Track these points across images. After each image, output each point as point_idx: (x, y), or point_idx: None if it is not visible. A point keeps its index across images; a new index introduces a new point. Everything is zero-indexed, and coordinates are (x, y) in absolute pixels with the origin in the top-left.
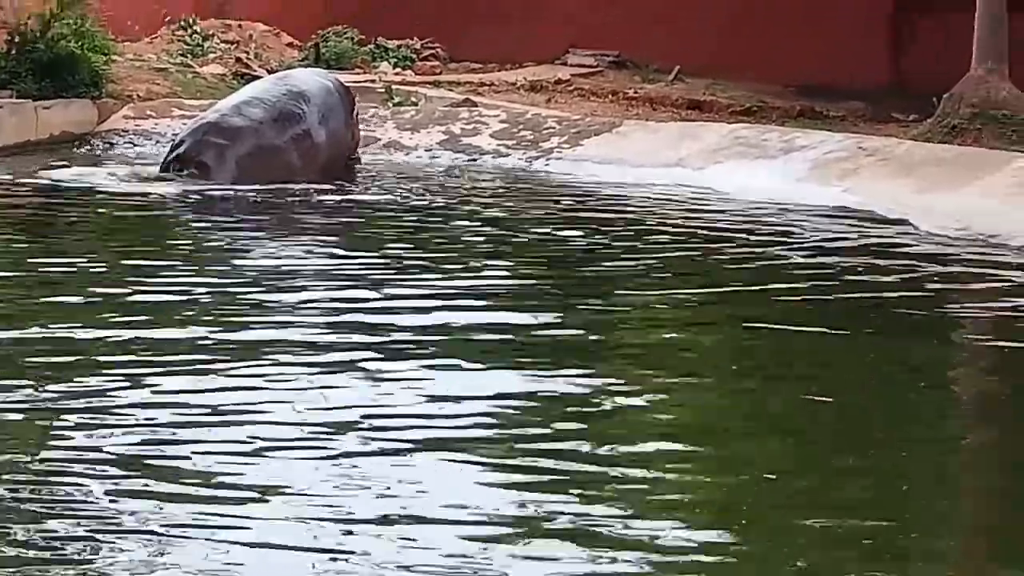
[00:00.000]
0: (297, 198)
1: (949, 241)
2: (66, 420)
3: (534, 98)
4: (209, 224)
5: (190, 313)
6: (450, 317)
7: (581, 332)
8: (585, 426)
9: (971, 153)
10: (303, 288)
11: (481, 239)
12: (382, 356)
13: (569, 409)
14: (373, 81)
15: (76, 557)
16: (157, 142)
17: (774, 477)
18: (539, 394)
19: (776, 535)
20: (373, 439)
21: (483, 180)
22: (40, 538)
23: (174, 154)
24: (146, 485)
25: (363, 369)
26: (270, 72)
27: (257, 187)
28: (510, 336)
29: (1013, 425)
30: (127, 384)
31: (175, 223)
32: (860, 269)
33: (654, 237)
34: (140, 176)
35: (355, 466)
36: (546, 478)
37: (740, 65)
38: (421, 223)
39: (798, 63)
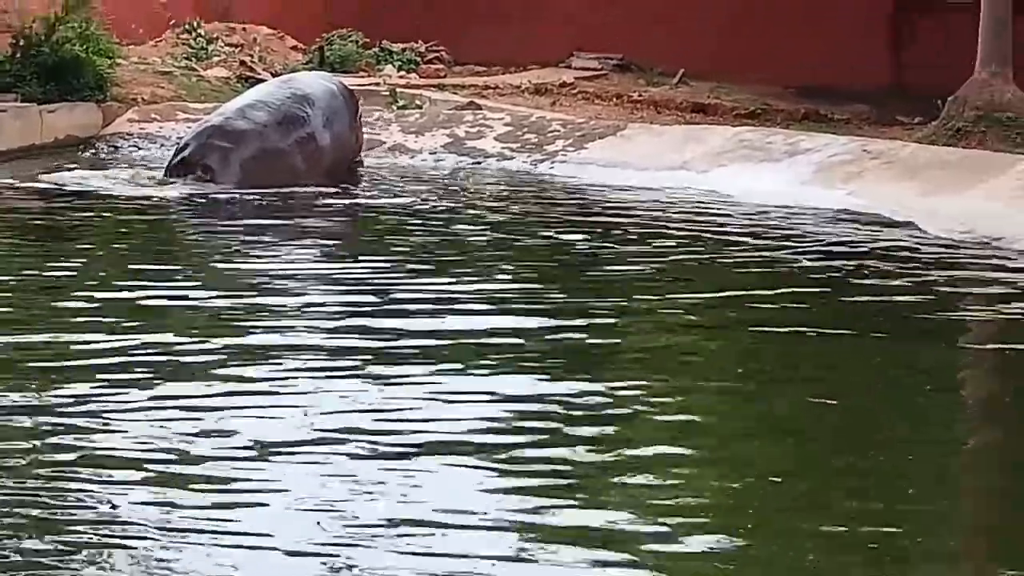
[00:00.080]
0: (302, 201)
1: (954, 244)
2: (70, 424)
3: (538, 101)
4: (214, 228)
5: (195, 317)
6: (455, 322)
7: (586, 336)
8: (591, 430)
9: (975, 156)
10: (308, 292)
11: (486, 242)
12: (387, 360)
13: (575, 413)
14: (377, 84)
15: (82, 559)
16: (162, 145)
17: (779, 480)
18: (545, 398)
19: (781, 538)
20: (378, 443)
21: (487, 183)
22: (45, 542)
23: (179, 157)
24: (150, 488)
25: (368, 373)
26: (274, 75)
27: (261, 190)
28: (515, 340)
29: (1018, 427)
30: (131, 389)
31: (180, 227)
32: (866, 272)
33: (659, 240)
34: (145, 180)
35: (360, 470)
36: (551, 482)
37: (744, 68)
38: (426, 226)
39: (802, 65)
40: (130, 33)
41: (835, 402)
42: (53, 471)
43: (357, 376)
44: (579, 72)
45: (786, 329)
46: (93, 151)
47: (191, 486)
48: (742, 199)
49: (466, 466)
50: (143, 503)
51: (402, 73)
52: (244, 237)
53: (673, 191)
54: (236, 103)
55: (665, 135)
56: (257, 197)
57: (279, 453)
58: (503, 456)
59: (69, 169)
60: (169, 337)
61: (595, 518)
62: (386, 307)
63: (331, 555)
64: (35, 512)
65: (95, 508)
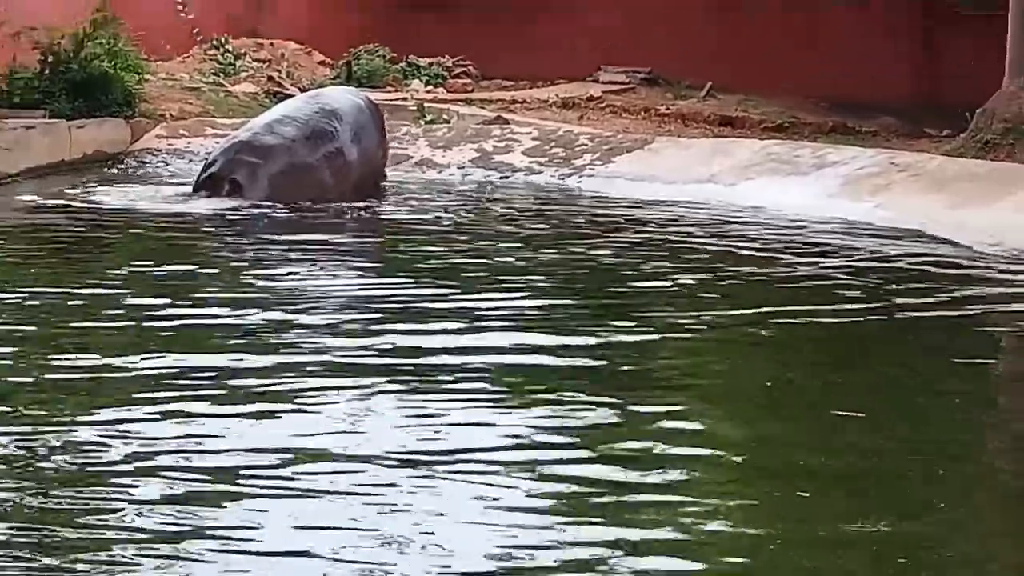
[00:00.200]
0: (330, 217)
1: (983, 257)
2: (98, 442)
3: (566, 115)
4: (242, 244)
5: (222, 335)
6: (481, 339)
7: (613, 353)
8: (616, 448)
9: (1004, 168)
10: (334, 310)
11: (513, 258)
12: (411, 378)
13: (598, 434)
14: (405, 99)
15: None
16: (190, 161)
17: (806, 494)
18: (569, 419)
19: (812, 556)
20: (400, 460)
21: (515, 198)
22: (61, 548)
23: (207, 173)
24: (177, 506)
25: (392, 391)
26: (302, 90)
27: (290, 205)
28: (541, 357)
29: None
30: (157, 406)
31: (208, 243)
32: (896, 288)
33: (687, 255)
34: (173, 196)
35: (384, 486)
36: (576, 500)
37: (772, 81)
38: (453, 242)
39: (829, 78)
40: (158, 49)
41: (863, 415)
42: (77, 489)
43: (381, 393)
44: (606, 86)
45: (817, 347)
46: (121, 167)
47: (219, 502)
48: (770, 212)
49: (490, 484)
50: (168, 517)
51: (429, 88)
52: (272, 253)
53: (701, 205)
54: (264, 118)
55: (693, 148)
56: (285, 212)
57: (304, 470)
58: (526, 475)
59: (97, 185)
60: (196, 355)
61: (618, 541)
62: (411, 324)
63: (360, 570)
64: (66, 531)
65: (122, 523)
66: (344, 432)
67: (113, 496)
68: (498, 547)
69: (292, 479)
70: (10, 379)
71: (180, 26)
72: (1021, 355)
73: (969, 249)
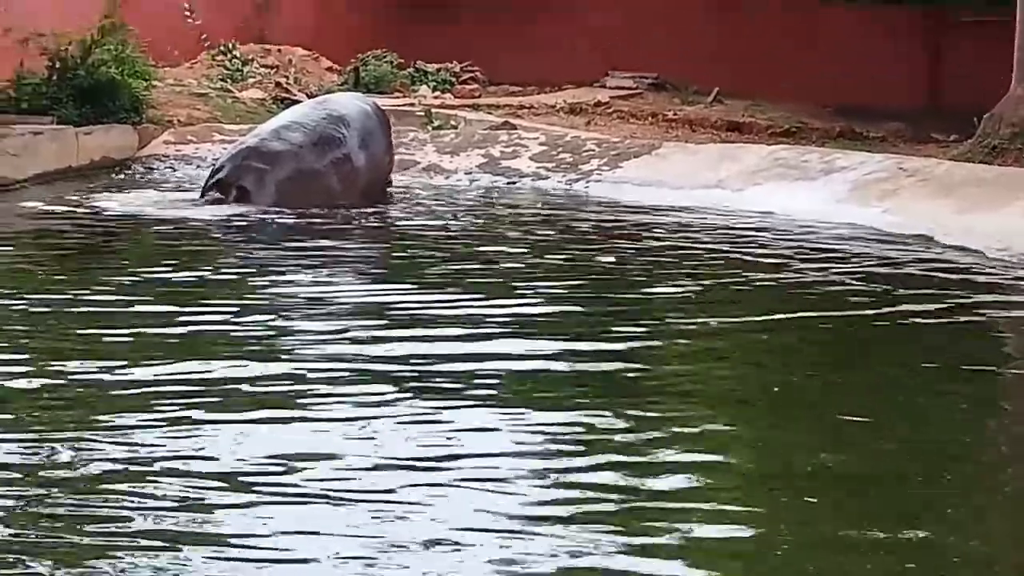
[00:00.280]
0: (337, 223)
1: (990, 262)
2: (104, 449)
3: (573, 120)
4: (249, 250)
5: (229, 342)
6: (489, 346)
7: (620, 361)
8: (622, 457)
9: (1011, 173)
10: (341, 316)
11: (520, 264)
12: (418, 385)
13: (605, 440)
14: (412, 104)
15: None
16: (197, 167)
17: (815, 500)
18: (576, 425)
19: (808, 571)
20: (407, 467)
21: (522, 203)
22: (65, 556)
23: (214, 179)
24: (183, 512)
25: (399, 398)
26: (309, 96)
27: (297, 211)
28: (548, 364)
29: None
30: (163, 414)
31: (215, 249)
32: (904, 292)
33: (694, 261)
34: (180, 201)
35: (390, 495)
36: (582, 510)
37: (779, 86)
38: (461, 248)
39: (837, 84)
40: (166, 55)
41: (868, 419)
42: (81, 496)
43: (387, 401)
44: (614, 91)
45: (824, 352)
46: (129, 173)
47: (224, 509)
48: (778, 218)
49: (497, 491)
50: (173, 524)
51: (437, 93)
52: (279, 260)
53: (708, 210)
54: (271, 124)
55: (700, 154)
56: (292, 218)
57: (310, 477)
58: (535, 481)
59: (105, 191)
60: (202, 362)
61: (628, 542)
62: (418, 331)
63: None
64: (71, 538)
65: (127, 530)
66: (351, 439)
67: (117, 503)
68: (505, 554)
69: (298, 486)
70: (16, 386)
71: (188, 32)
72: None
73: (977, 254)
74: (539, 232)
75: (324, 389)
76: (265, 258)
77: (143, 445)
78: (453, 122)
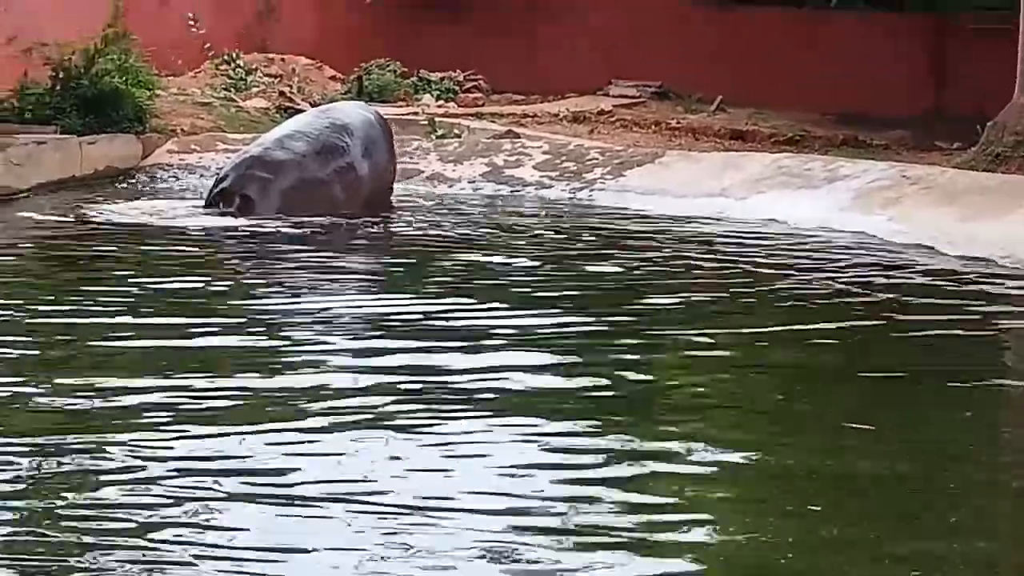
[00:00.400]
0: (341, 232)
1: (995, 270)
2: (102, 458)
3: (577, 129)
4: (252, 260)
5: (230, 354)
6: (491, 359)
7: (623, 373)
8: (625, 471)
9: (1015, 181)
10: (344, 327)
11: (524, 274)
12: (420, 398)
13: (609, 454)
14: (416, 113)
15: None
16: (201, 176)
17: (815, 501)
18: (580, 437)
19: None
20: (405, 482)
21: (526, 212)
22: (68, 569)
23: (218, 188)
24: (175, 531)
25: (399, 411)
26: (313, 105)
27: (301, 220)
28: (551, 377)
29: None
30: (158, 430)
31: (218, 259)
32: (907, 301)
33: (698, 271)
34: (184, 211)
35: (393, 513)
36: (587, 524)
37: (782, 95)
38: (463, 258)
39: (840, 92)
40: (169, 64)
41: (872, 428)
42: (83, 510)
43: (386, 415)
44: (617, 100)
45: (827, 362)
46: (132, 182)
47: (223, 523)
48: (781, 226)
49: (499, 507)
50: (169, 542)
51: (440, 102)
52: (282, 270)
53: (712, 219)
54: (275, 133)
55: (703, 162)
56: (296, 228)
57: (308, 491)
58: (538, 496)
59: (108, 201)
60: (203, 374)
61: (633, 559)
62: (420, 342)
63: None
64: (72, 549)
65: (127, 544)
66: (349, 452)
67: (118, 516)
68: (507, 570)
69: (296, 501)
70: (19, 399)
71: (191, 41)
72: None
73: (980, 262)
74: (543, 242)
75: (324, 403)
76: (268, 268)
77: (142, 458)
78: (456, 131)
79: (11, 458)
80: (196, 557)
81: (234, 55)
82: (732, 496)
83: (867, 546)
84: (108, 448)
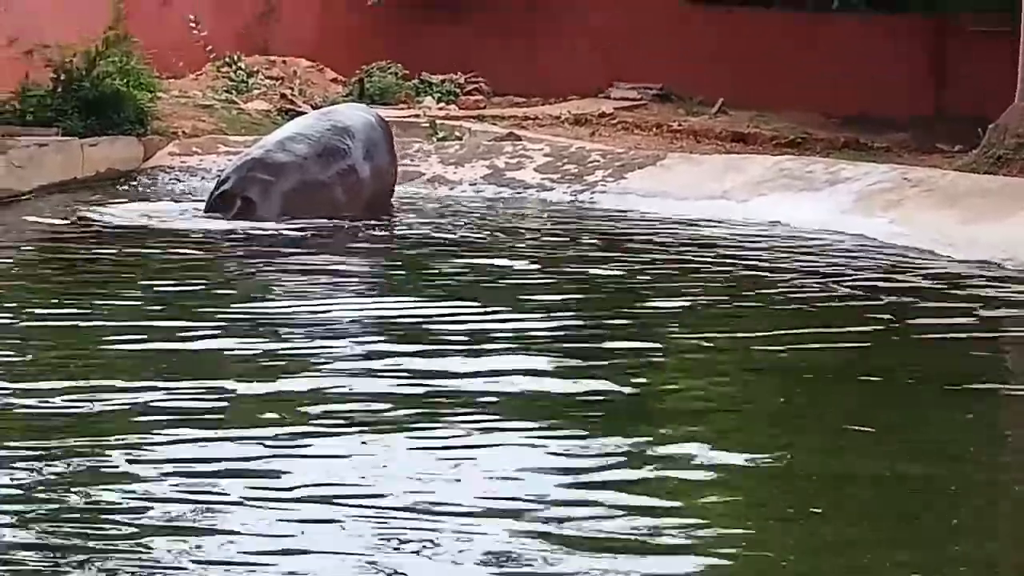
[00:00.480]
0: (343, 235)
1: (996, 273)
2: (100, 464)
3: (578, 131)
4: (253, 263)
5: (229, 358)
6: (492, 362)
7: (624, 377)
8: (627, 476)
9: (1016, 184)
10: (345, 331)
11: (525, 277)
12: (421, 403)
13: (610, 459)
14: (417, 116)
15: None
16: (202, 178)
17: (816, 501)
18: (580, 447)
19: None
20: (406, 488)
21: (527, 215)
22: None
23: (219, 190)
24: (175, 537)
25: (399, 417)
26: (314, 108)
27: (302, 223)
28: (553, 381)
29: None
30: (160, 431)
31: (220, 262)
32: (908, 303)
33: (700, 274)
34: (186, 213)
35: (393, 522)
36: (587, 530)
37: (784, 97)
38: (464, 260)
39: (841, 94)
40: (171, 67)
41: (872, 430)
42: (81, 515)
43: (386, 420)
44: (618, 102)
45: (828, 365)
46: (134, 184)
47: (221, 530)
48: (783, 229)
49: (500, 513)
50: (168, 546)
51: (441, 104)
52: (284, 273)
53: (713, 221)
54: (276, 136)
55: (705, 165)
56: (298, 230)
57: (309, 501)
58: (538, 500)
59: (110, 203)
60: (203, 379)
61: (635, 565)
62: (421, 346)
63: None
64: (71, 557)
65: (125, 552)
66: (348, 455)
67: (117, 520)
68: (507, 574)
69: (295, 504)
70: (17, 402)
71: (193, 44)
72: None
73: (981, 264)
74: (544, 244)
75: (324, 406)
76: (269, 271)
77: (140, 462)
78: (458, 133)
79: (9, 462)
80: (194, 562)
81: (235, 57)
82: (733, 498)
83: (868, 547)
84: (106, 451)
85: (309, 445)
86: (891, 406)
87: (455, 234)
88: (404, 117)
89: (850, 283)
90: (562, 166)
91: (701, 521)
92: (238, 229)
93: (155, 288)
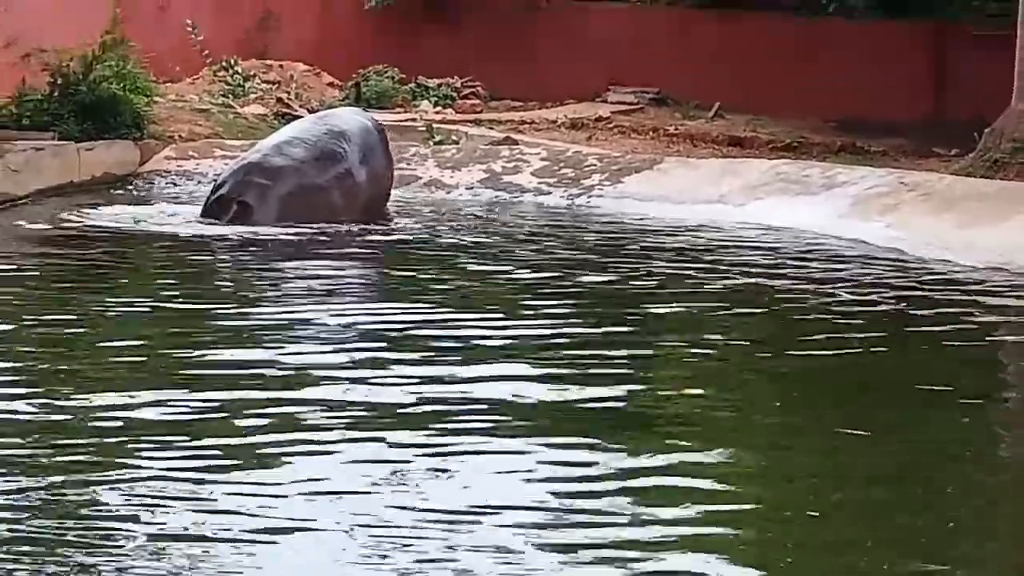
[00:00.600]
0: (339, 239)
1: (993, 277)
2: (96, 474)
3: (575, 135)
4: (250, 267)
5: (227, 367)
6: (489, 369)
7: (622, 385)
8: (628, 483)
9: (1013, 188)
10: (341, 339)
11: (523, 283)
12: (418, 411)
13: (609, 467)
14: (414, 120)
15: None
16: (199, 183)
17: (816, 502)
18: (578, 453)
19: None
20: (403, 496)
21: (524, 219)
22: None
23: (216, 195)
24: (178, 542)
25: (396, 425)
26: (311, 112)
27: (299, 227)
28: (549, 388)
29: None
30: (147, 443)
31: (216, 266)
32: (905, 308)
33: (697, 279)
34: (182, 217)
35: (389, 533)
36: (589, 538)
37: (780, 101)
38: (461, 265)
39: (838, 98)
40: (167, 71)
41: (870, 433)
42: (79, 521)
43: (382, 427)
44: (615, 106)
45: (827, 370)
46: (130, 189)
47: (219, 540)
48: (779, 233)
49: (500, 522)
50: (167, 549)
51: (438, 108)
52: (280, 278)
53: (710, 225)
54: (273, 140)
55: (702, 168)
56: (295, 235)
57: (307, 506)
58: (541, 510)
59: (106, 207)
60: (197, 389)
61: (641, 568)
62: (417, 354)
63: None
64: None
65: (123, 564)
66: (346, 462)
67: (115, 526)
68: None
69: (293, 509)
70: (14, 409)
71: (189, 48)
72: None
73: (978, 269)
74: (540, 249)
75: (321, 412)
76: (265, 276)
77: (137, 468)
78: (454, 137)
79: (6, 468)
80: (193, 566)
81: (232, 61)
82: (733, 501)
83: (868, 548)
84: (102, 457)
85: (303, 451)
86: (890, 408)
87: (451, 238)
88: (401, 121)
89: (847, 287)
90: (559, 170)
91: (701, 523)
92: (234, 233)
93: (150, 293)
